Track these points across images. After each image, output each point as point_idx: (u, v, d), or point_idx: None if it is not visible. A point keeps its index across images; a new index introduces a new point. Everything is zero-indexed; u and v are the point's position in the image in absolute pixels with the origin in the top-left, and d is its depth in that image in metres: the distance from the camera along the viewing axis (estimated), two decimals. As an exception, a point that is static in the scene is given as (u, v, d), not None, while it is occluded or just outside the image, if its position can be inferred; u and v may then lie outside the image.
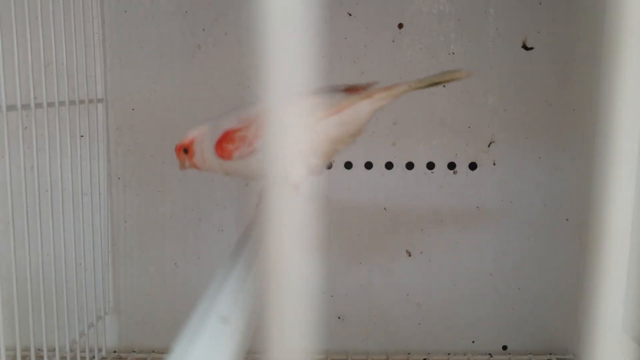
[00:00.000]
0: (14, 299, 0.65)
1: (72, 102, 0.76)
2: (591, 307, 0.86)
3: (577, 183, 0.84)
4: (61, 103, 0.73)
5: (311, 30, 0.22)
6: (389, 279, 0.87)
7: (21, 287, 0.67)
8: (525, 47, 0.83)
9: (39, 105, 0.68)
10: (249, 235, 0.37)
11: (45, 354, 0.71)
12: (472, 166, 0.84)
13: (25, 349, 0.73)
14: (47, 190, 0.72)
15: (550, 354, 0.87)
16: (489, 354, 0.87)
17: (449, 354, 0.87)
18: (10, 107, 0.63)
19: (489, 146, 0.84)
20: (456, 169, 0.85)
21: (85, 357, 0.81)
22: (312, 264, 0.87)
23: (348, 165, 0.85)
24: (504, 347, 0.88)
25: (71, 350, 0.78)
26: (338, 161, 0.85)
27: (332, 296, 0.88)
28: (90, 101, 0.81)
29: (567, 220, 0.85)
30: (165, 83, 0.85)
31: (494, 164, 0.84)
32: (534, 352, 0.87)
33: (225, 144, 0.61)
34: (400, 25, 0.83)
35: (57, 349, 0.75)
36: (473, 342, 0.88)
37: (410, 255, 0.87)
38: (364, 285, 0.88)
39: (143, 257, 0.89)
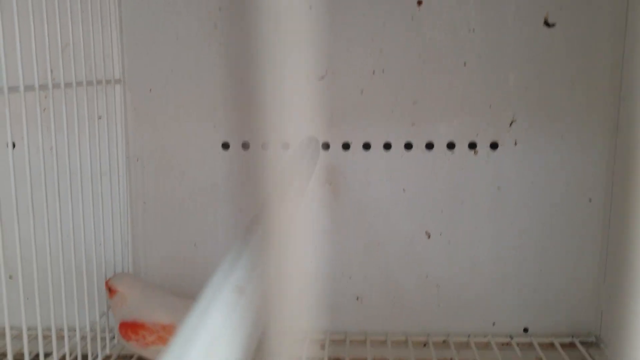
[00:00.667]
0: (34, 280, 0.66)
1: (89, 83, 0.75)
2: (616, 289, 0.85)
3: (600, 162, 0.82)
4: (79, 84, 0.73)
5: (326, 9, 0.21)
6: (407, 260, 0.87)
7: (41, 268, 0.67)
8: (547, 24, 0.81)
9: (56, 86, 0.68)
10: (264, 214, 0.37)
11: (65, 333, 0.72)
12: (493, 146, 0.83)
13: (47, 329, 0.74)
14: (66, 172, 0.72)
15: (573, 336, 0.86)
16: (510, 336, 0.86)
17: (469, 335, 0.87)
18: (28, 88, 0.63)
19: (510, 125, 0.82)
20: (477, 149, 0.83)
21: (105, 337, 0.82)
22: (329, 246, 0.88)
23: (366, 146, 0.84)
24: (525, 330, 0.87)
25: (91, 330, 0.79)
26: (356, 142, 0.84)
27: (350, 278, 0.88)
28: (108, 82, 0.81)
29: (590, 200, 0.83)
30: (182, 63, 0.85)
31: (516, 144, 0.83)
32: (556, 334, 0.86)
33: (127, 330, 0.75)
34: (420, 2, 0.82)
35: (77, 329, 0.76)
36: (493, 324, 0.87)
37: (429, 237, 0.86)
38: (382, 267, 0.87)
39: (162, 238, 0.89)
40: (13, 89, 0.60)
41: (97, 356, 0.80)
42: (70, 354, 0.74)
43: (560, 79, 0.81)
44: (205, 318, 0.21)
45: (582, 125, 0.82)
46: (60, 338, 0.73)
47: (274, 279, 0.28)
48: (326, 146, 0.84)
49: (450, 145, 0.83)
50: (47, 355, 0.70)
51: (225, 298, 0.22)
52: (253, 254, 0.28)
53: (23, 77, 0.62)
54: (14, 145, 0.82)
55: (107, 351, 0.82)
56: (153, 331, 0.74)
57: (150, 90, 0.85)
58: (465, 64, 0.81)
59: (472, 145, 0.83)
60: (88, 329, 0.78)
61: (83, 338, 0.78)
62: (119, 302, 0.77)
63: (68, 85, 0.71)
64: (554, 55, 0.81)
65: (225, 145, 0.86)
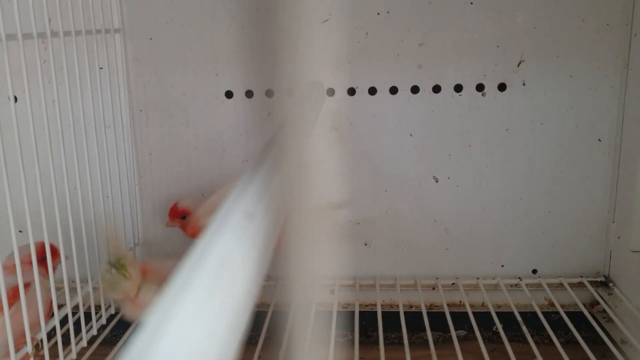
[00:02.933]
0: (44, 233, 0.66)
1: (88, 32, 0.74)
2: (624, 229, 0.85)
3: (610, 102, 0.81)
4: (78, 33, 0.72)
5: None
6: (415, 205, 0.87)
7: (50, 221, 0.67)
8: (557, -41, 0.78)
9: (55, 35, 0.67)
10: (275, 142, 0.36)
11: (78, 284, 0.73)
12: (502, 87, 0.81)
13: (59, 281, 0.74)
14: (69, 125, 0.71)
15: (581, 276, 0.86)
16: (519, 278, 0.87)
17: (477, 278, 0.87)
18: (27, 36, 0.62)
19: (518, 66, 0.81)
20: (485, 90, 0.82)
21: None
22: (337, 192, 0.87)
23: (372, 90, 0.83)
24: (534, 271, 0.87)
25: (103, 282, 0.79)
26: (362, 87, 0.83)
27: (358, 224, 0.88)
28: (107, 31, 0.79)
29: (600, 140, 0.82)
30: (182, 11, 0.83)
31: (524, 85, 0.81)
32: (564, 275, 0.86)
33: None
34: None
35: (89, 280, 0.76)
36: (502, 266, 0.87)
37: (437, 181, 0.85)
38: (390, 212, 0.87)
39: (170, 189, 0.89)
40: (11, 37, 0.59)
41: (110, 305, 0.81)
42: (83, 304, 0.75)
43: (569, 17, 0.79)
44: (216, 240, 0.21)
45: (592, 64, 0.80)
46: (72, 289, 0.73)
47: (283, 205, 0.28)
48: (331, 92, 0.83)
49: (458, 88, 0.82)
50: (60, 305, 0.71)
51: (236, 222, 0.22)
52: (262, 181, 0.28)
53: (21, 25, 0.60)
54: (15, 99, 0.81)
55: (112, 310, 0.82)
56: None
57: (151, 39, 0.84)
58: (472, 2, 0.79)
59: (480, 87, 0.82)
60: (100, 279, 0.79)
61: (95, 289, 0.78)
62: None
63: (67, 34, 0.70)
64: (564, -9, 0.78)
65: (229, 94, 0.85)
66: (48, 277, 0.68)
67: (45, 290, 0.66)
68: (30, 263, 0.63)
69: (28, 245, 0.63)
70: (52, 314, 0.68)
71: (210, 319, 0.17)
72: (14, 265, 0.60)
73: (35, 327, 0.64)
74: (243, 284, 0.19)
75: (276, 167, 0.28)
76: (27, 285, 0.63)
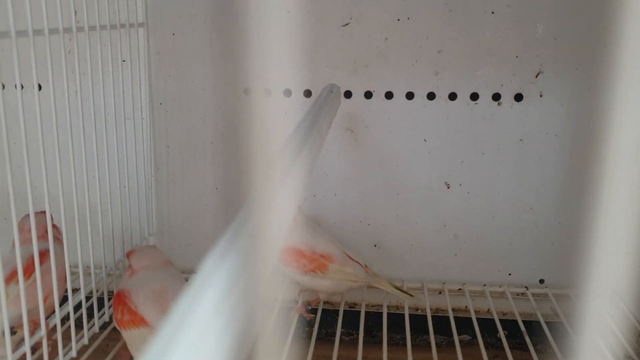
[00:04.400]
0: (61, 220, 0.68)
1: (113, 27, 0.76)
2: (633, 245, 0.84)
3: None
4: (102, 27, 0.73)
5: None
6: (426, 209, 0.87)
7: (69, 208, 0.69)
8: (581, -28, 0.78)
9: (80, 29, 0.69)
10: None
11: (92, 270, 0.75)
12: (518, 97, 0.82)
13: (74, 266, 0.76)
14: (90, 115, 0.73)
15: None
16: (525, 287, 0.87)
17: (484, 284, 0.88)
18: (53, 31, 0.63)
19: (536, 77, 0.81)
20: (501, 100, 0.82)
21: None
22: (349, 192, 0.89)
23: (389, 95, 0.84)
24: (541, 281, 0.88)
25: (117, 269, 0.81)
26: (378, 91, 0.84)
27: (369, 225, 0.89)
28: (131, 25, 0.81)
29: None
30: (205, 7, 0.84)
31: (541, 96, 0.82)
32: (572, 286, 0.87)
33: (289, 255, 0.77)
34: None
35: (103, 267, 0.78)
36: (510, 274, 0.88)
37: (449, 187, 0.86)
38: (401, 215, 0.88)
39: (185, 182, 0.91)
40: (38, 32, 0.61)
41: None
42: (97, 290, 0.77)
43: (590, 30, 0.79)
44: (221, 263, 0.22)
45: (611, 79, 0.80)
46: (87, 275, 0.75)
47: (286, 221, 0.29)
48: (348, 94, 0.84)
49: (474, 96, 0.83)
50: (74, 290, 0.73)
51: (240, 244, 0.23)
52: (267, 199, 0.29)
53: (47, 20, 0.62)
54: (40, 88, 0.83)
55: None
56: (313, 259, 0.78)
57: (173, 34, 0.85)
58: (493, 12, 0.80)
59: (496, 97, 0.82)
60: (114, 266, 0.81)
61: (109, 275, 0.80)
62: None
63: (92, 28, 0.71)
64: (585, 5, 0.79)
65: (247, 92, 0.86)
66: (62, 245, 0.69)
67: (61, 262, 0.68)
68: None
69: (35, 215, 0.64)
70: (66, 290, 0.69)
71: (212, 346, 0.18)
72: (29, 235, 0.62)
73: (50, 298, 0.66)
74: (243, 314, 0.20)
75: (284, 180, 0.29)
76: (44, 254, 0.64)
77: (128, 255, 0.74)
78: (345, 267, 0.78)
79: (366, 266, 0.81)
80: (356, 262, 0.80)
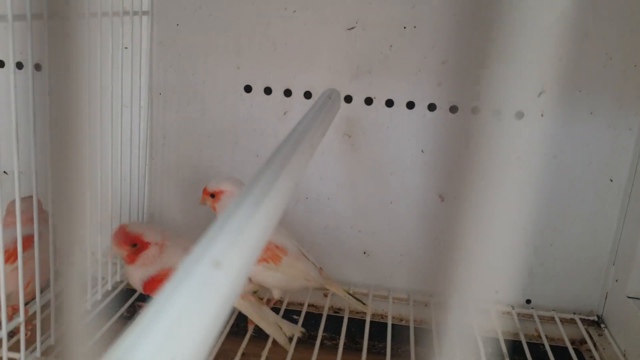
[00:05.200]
0: (50, 206, 0.67)
1: (115, 13, 0.75)
2: (624, 273, 0.84)
3: (627, 144, 0.80)
4: (104, 14, 0.73)
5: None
6: (418, 220, 0.87)
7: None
8: (592, -7, 0.77)
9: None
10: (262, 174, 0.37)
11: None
12: (519, 115, 0.81)
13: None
14: (87, 100, 0.72)
15: (574, 313, 0.86)
16: (512, 306, 0.87)
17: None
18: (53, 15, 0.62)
19: (538, 96, 0.80)
20: (501, 116, 0.81)
21: (117, 264, 0.84)
22: (343, 198, 0.88)
23: (389, 102, 0.83)
24: (528, 301, 0.87)
25: (104, 257, 0.81)
26: (379, 98, 0.83)
27: (359, 231, 0.88)
28: (135, 13, 0.80)
29: (612, 181, 0.82)
30: (211, 0, 0.83)
31: (542, 115, 0.81)
32: (558, 309, 0.86)
33: None
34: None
35: (99, 248, 0.78)
36: (496, 292, 0.87)
37: (442, 200, 0.86)
38: (392, 225, 0.87)
39: (179, 174, 0.90)
40: (37, 16, 0.60)
41: (107, 282, 0.82)
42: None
43: (597, 54, 0.78)
44: (178, 291, 0.21)
45: (613, 104, 0.80)
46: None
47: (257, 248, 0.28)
48: (349, 99, 0.83)
49: (475, 111, 0.82)
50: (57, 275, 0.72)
51: (200, 272, 0.22)
52: (239, 220, 0.28)
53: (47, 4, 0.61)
54: (38, 68, 0.82)
55: (117, 278, 0.84)
56: (267, 249, 0.77)
57: (177, 24, 0.84)
58: (500, 28, 0.79)
59: (497, 113, 0.81)
60: (99, 255, 0.80)
61: (96, 262, 0.80)
62: (227, 197, 0.76)
63: (93, 14, 0.70)
64: (593, 27, 0.78)
65: (248, 88, 0.85)
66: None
67: (46, 247, 0.67)
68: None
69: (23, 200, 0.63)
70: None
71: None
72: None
73: (32, 283, 0.65)
74: (198, 340, 0.20)
75: (259, 205, 0.29)
76: (28, 239, 0.64)
77: (138, 238, 0.73)
78: (298, 263, 0.78)
79: (321, 268, 0.80)
80: (310, 261, 0.79)
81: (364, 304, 0.81)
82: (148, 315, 0.19)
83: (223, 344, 0.75)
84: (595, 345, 0.80)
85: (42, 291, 0.67)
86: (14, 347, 0.65)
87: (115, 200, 0.82)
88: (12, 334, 0.65)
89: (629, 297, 0.78)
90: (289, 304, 0.88)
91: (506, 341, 0.79)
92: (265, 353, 0.74)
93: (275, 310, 0.84)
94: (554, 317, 0.85)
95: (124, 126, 0.81)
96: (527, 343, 0.79)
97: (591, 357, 0.80)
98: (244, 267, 0.25)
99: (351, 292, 0.82)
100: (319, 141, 0.52)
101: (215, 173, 0.89)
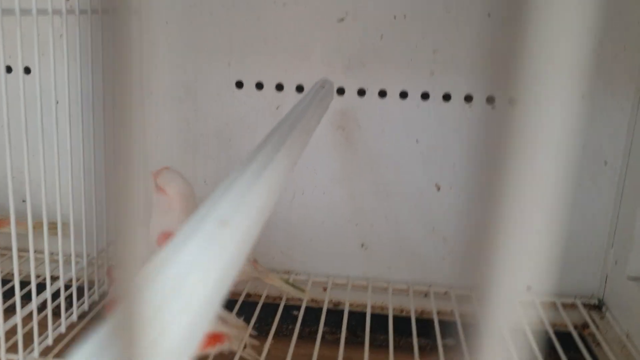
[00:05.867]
0: (42, 207, 0.67)
1: (105, 11, 0.74)
2: (623, 255, 0.84)
3: (620, 126, 0.80)
4: (94, 11, 0.72)
5: None
6: (415, 211, 0.86)
7: (51, 194, 0.68)
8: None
9: (70, 12, 0.67)
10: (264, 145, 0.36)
11: (72, 259, 0.74)
12: (512, 101, 0.81)
13: (55, 254, 0.75)
14: (78, 101, 0.72)
15: (575, 297, 0.86)
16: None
17: (470, 289, 0.87)
18: (41, 12, 0.62)
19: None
20: (495, 103, 0.81)
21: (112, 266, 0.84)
22: (338, 191, 0.87)
23: (382, 93, 0.83)
24: (528, 287, 0.87)
25: (99, 259, 0.80)
26: (372, 89, 0.83)
27: (357, 225, 0.88)
28: (124, 12, 0.79)
29: (606, 163, 0.82)
30: (200, -3, 0.83)
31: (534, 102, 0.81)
32: (559, 294, 0.86)
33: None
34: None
35: (84, 255, 0.77)
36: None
37: (439, 190, 0.85)
38: (389, 216, 0.87)
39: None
40: (25, 12, 0.60)
41: (103, 282, 0.81)
42: (77, 280, 0.76)
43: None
44: (182, 250, 0.21)
45: (604, 87, 0.80)
46: (67, 263, 0.74)
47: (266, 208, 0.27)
48: (341, 91, 0.83)
49: (468, 98, 0.82)
50: (54, 278, 0.71)
51: (206, 230, 0.22)
52: (245, 182, 0.28)
53: (36, 1, 0.61)
54: (28, 71, 0.82)
55: (114, 279, 0.83)
56: None
57: (167, 22, 0.84)
58: (489, 15, 0.79)
59: (490, 100, 0.81)
60: (95, 255, 0.79)
61: (90, 264, 0.79)
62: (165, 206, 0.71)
63: (83, 12, 0.70)
64: (582, 11, 0.78)
65: (239, 84, 0.85)
66: None
67: None
68: None
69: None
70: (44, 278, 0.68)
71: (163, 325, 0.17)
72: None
73: None
74: (202, 298, 0.19)
75: (263, 169, 0.28)
76: None
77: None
78: None
79: (255, 260, 0.80)
80: None
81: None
82: (154, 265, 0.19)
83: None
84: (597, 328, 0.80)
85: (38, 292, 0.66)
86: (11, 349, 0.64)
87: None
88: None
89: (629, 278, 0.78)
90: (288, 299, 0.87)
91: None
92: (266, 346, 0.73)
93: (275, 307, 0.84)
94: (555, 303, 0.84)
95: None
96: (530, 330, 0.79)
97: (594, 340, 0.80)
98: (250, 227, 0.25)
99: (291, 281, 0.82)
100: (314, 127, 0.52)
101: (210, 171, 0.89)
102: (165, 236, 0.69)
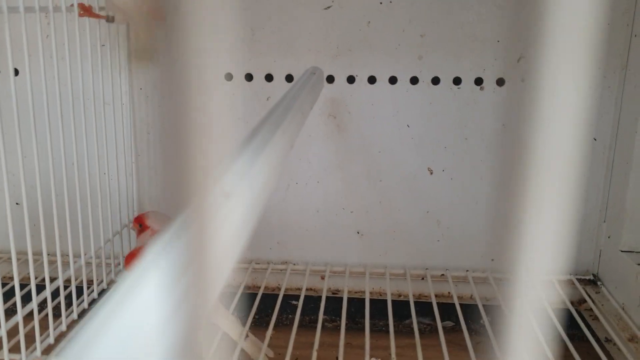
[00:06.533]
0: (39, 207, 0.67)
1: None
2: (614, 229, 0.85)
3: (608, 102, 0.81)
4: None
5: None
6: (409, 196, 0.87)
7: (46, 195, 0.68)
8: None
9: (57, 9, 0.67)
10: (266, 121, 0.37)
11: (70, 258, 0.73)
12: (500, 82, 0.82)
13: (52, 254, 0.75)
14: (69, 100, 0.72)
15: (570, 274, 0.87)
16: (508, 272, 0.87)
17: (467, 270, 0.88)
18: (29, 9, 0.62)
19: (518, 61, 0.81)
20: (483, 84, 0.82)
21: (110, 264, 0.84)
22: (332, 180, 0.88)
23: (371, 79, 0.83)
24: (527, 268, 0.88)
25: (97, 257, 0.80)
26: (361, 75, 0.83)
27: (352, 212, 0.89)
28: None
29: (595, 140, 0.83)
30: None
31: (523, 81, 0.81)
32: (554, 271, 0.87)
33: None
34: None
35: (82, 255, 0.77)
36: (492, 259, 0.88)
37: (432, 173, 0.86)
38: (384, 202, 0.88)
39: (166, 169, 0.89)
40: (13, 9, 0.60)
41: (102, 281, 0.82)
42: (76, 279, 0.76)
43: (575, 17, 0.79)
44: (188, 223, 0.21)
45: (594, 66, 0.80)
46: (65, 263, 0.74)
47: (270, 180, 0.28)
48: (331, 79, 0.83)
49: (457, 81, 0.82)
50: (52, 279, 0.71)
51: (210, 202, 0.22)
52: (249, 156, 0.28)
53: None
54: (16, 72, 0.82)
55: (112, 276, 0.83)
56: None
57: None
58: (475, -4, 0.79)
59: (479, 81, 0.82)
60: (93, 254, 0.80)
61: (88, 264, 0.79)
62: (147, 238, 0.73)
63: (70, 9, 0.70)
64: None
65: (229, 77, 0.85)
66: None
67: None
68: None
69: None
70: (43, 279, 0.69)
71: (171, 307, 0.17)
72: None
73: None
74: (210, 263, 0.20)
75: (263, 146, 0.29)
76: None
77: (140, 218, 0.72)
78: None
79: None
80: None
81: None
82: (166, 237, 0.19)
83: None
84: (594, 302, 0.81)
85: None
86: (13, 350, 0.64)
87: (105, 200, 0.81)
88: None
89: (622, 251, 0.79)
90: (287, 289, 0.88)
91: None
92: (268, 335, 0.74)
93: (274, 297, 0.84)
94: (550, 280, 0.85)
95: (107, 125, 0.81)
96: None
97: (591, 315, 0.81)
98: (253, 198, 0.25)
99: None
100: (309, 110, 0.52)
101: (202, 166, 0.89)
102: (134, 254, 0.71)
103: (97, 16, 0.74)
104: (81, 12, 0.72)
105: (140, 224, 0.73)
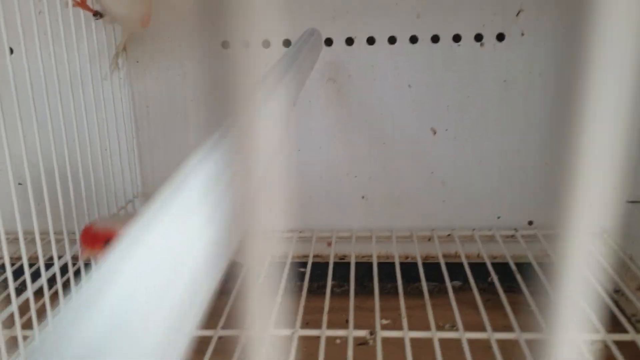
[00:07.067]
0: (42, 185, 0.66)
1: (82, -17, 0.73)
2: (619, 179, 0.84)
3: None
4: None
5: None
6: (413, 158, 0.87)
7: (49, 173, 0.67)
8: None
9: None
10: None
11: (77, 236, 0.74)
12: (500, 37, 0.81)
13: (58, 232, 0.75)
14: (66, 77, 0.71)
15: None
16: (515, 229, 0.87)
17: (473, 229, 0.88)
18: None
19: (517, 15, 0.80)
20: (483, 41, 0.81)
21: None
22: (335, 145, 0.87)
23: (370, 40, 0.82)
24: (530, 222, 0.88)
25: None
26: (360, 37, 0.82)
27: (355, 177, 0.88)
28: (101, -18, 0.78)
29: (599, 92, 0.82)
30: (177, -40, 0.81)
31: (522, 35, 0.80)
32: (560, 226, 0.87)
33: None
34: None
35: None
36: (498, 217, 0.88)
37: (435, 133, 0.85)
38: (387, 165, 0.87)
39: (168, 142, 0.89)
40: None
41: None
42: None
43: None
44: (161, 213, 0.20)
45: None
46: (72, 241, 0.74)
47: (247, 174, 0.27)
48: (329, 42, 0.82)
49: (456, 38, 0.81)
50: (60, 256, 0.72)
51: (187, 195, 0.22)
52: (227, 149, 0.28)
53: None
54: (11, 51, 0.81)
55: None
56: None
57: (146, -11, 0.83)
58: (471, -49, 0.78)
59: (479, 37, 0.81)
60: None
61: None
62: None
63: (60, -15, 0.69)
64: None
65: (225, 45, 0.84)
66: None
67: None
68: None
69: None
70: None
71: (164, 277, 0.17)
72: None
73: None
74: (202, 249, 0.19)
75: (251, 125, 0.28)
76: None
77: (111, 234, 0.65)
78: None
79: None
80: None
81: None
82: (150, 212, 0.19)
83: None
84: (601, 254, 0.81)
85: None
86: (25, 325, 0.65)
87: (107, 176, 0.81)
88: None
89: (629, 202, 0.79)
90: (293, 257, 0.88)
91: (516, 265, 0.80)
92: (276, 303, 0.74)
93: (281, 265, 0.85)
94: (558, 235, 0.85)
95: (106, 100, 0.80)
96: (538, 264, 0.80)
97: (599, 267, 0.81)
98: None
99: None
100: (309, 70, 0.52)
101: (204, 137, 0.88)
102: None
103: (89, 9, 0.73)
104: (75, 3, 0.71)
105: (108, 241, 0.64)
